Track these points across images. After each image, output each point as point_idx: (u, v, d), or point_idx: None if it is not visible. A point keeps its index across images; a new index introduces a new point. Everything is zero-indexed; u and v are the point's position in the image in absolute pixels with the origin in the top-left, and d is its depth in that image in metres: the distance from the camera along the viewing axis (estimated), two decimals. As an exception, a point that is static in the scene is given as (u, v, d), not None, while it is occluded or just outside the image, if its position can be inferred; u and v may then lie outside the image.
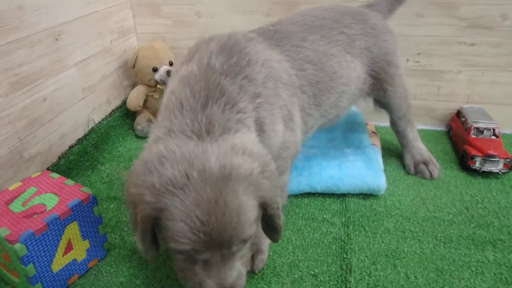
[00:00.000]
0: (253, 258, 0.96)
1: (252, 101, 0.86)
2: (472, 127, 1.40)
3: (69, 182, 0.99)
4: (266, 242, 1.00)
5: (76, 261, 0.95)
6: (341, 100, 1.18)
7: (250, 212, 0.73)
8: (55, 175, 1.02)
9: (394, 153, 1.46)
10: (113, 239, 1.09)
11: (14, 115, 1.11)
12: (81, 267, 0.97)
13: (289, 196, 1.22)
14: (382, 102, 1.31)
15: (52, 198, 0.92)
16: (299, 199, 1.24)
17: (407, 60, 1.54)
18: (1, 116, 1.07)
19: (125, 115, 1.62)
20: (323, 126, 1.22)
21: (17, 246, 0.81)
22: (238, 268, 0.77)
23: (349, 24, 1.18)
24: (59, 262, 0.91)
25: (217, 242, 0.71)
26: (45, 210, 0.89)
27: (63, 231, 0.90)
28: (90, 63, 1.42)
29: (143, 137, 1.57)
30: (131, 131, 1.61)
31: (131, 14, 1.69)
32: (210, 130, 0.77)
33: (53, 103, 1.25)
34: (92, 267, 1.01)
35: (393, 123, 1.37)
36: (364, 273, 0.97)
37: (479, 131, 1.39)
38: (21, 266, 0.83)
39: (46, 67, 1.22)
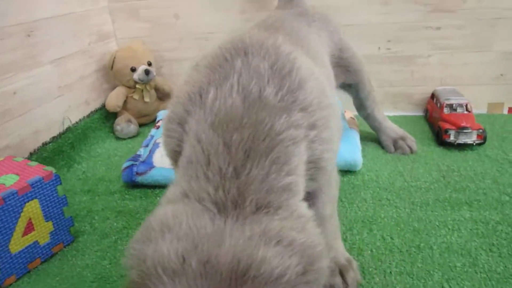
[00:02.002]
0: (353, 269, 0.83)
1: (304, 139, 0.63)
2: (445, 104, 1.42)
3: (33, 163, 0.97)
4: (342, 245, 0.89)
5: (39, 243, 0.92)
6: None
7: None
8: (20, 159, 1.00)
9: (371, 137, 1.48)
10: (83, 227, 1.08)
11: (-17, 105, 1.11)
12: (44, 251, 0.93)
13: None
14: (348, 84, 1.32)
15: (12, 177, 0.90)
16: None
17: (379, 48, 1.59)
18: (-30, 106, 1.08)
19: (105, 118, 1.64)
20: None
21: None
22: None
23: (306, 24, 1.14)
24: (18, 243, 0.87)
25: None
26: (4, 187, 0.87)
27: (22, 209, 0.87)
28: (66, 62, 1.45)
29: (123, 139, 1.58)
30: (111, 134, 1.62)
31: (110, 19, 1.74)
32: (238, 204, 0.53)
33: (25, 97, 1.26)
34: (57, 253, 0.97)
35: (361, 107, 1.38)
36: (341, 237, 0.97)
37: (452, 108, 1.42)
38: None
39: (17, 61, 1.23)
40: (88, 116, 1.55)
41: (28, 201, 0.88)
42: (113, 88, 1.65)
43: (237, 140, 0.56)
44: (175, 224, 0.51)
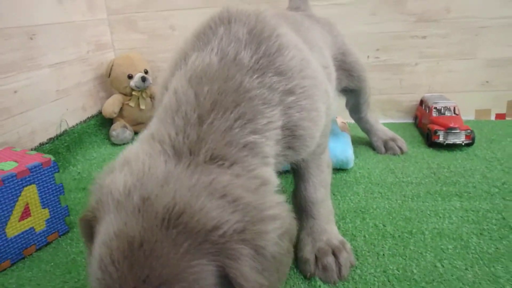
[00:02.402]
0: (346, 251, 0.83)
1: (280, 103, 0.65)
2: (433, 107, 1.47)
3: (32, 152, 0.99)
4: (335, 228, 0.89)
5: (34, 230, 0.92)
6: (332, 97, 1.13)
7: (193, 280, 0.47)
8: (18, 149, 1.02)
9: (363, 141, 1.51)
10: (76, 220, 1.07)
11: (-17, 99, 1.14)
12: (40, 239, 0.94)
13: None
14: (350, 89, 1.34)
15: (11, 164, 0.92)
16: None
17: (368, 56, 1.65)
18: (-30, 97, 1.10)
19: (101, 124, 1.66)
20: None
21: None
22: None
23: (311, 25, 1.18)
24: (14, 227, 0.88)
25: None
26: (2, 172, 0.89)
27: (20, 192, 0.88)
28: (65, 67, 1.49)
29: (118, 144, 1.60)
30: (107, 140, 1.64)
31: (109, 31, 1.80)
32: (194, 151, 0.55)
33: (24, 97, 1.29)
34: (52, 242, 0.97)
35: (355, 110, 1.42)
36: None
37: (440, 111, 1.46)
38: None
39: (18, 61, 1.27)
40: (85, 121, 1.57)
41: (26, 186, 0.89)
42: (109, 96, 1.69)
43: (206, 91, 0.60)
44: (134, 160, 0.54)
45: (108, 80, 1.67)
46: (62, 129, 1.44)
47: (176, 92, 0.62)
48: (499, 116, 1.67)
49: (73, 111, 1.53)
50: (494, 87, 1.63)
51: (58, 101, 1.44)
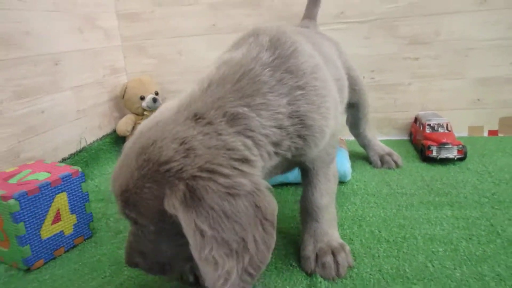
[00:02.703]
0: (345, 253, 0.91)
1: (288, 94, 0.74)
2: (426, 124, 1.56)
3: (61, 164, 1.10)
4: (337, 232, 0.96)
5: (64, 234, 1.02)
6: (343, 106, 1.20)
7: (144, 197, 0.65)
8: (48, 161, 1.13)
9: (359, 156, 1.59)
10: (99, 226, 1.17)
11: (15, 119, 1.26)
12: (68, 242, 1.04)
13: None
14: (352, 103, 1.42)
15: (44, 174, 1.03)
16: (273, 188, 1.34)
17: (364, 77, 1.75)
18: (5, 117, 1.22)
19: (115, 142, 1.77)
20: None
21: (11, 201, 0.90)
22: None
23: (322, 38, 1.28)
24: (47, 230, 0.98)
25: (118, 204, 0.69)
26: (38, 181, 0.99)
27: (53, 199, 0.99)
28: (84, 90, 1.61)
29: (131, 161, 1.70)
30: (120, 157, 1.75)
31: (122, 56, 1.93)
32: (186, 108, 0.70)
33: (49, 117, 1.41)
34: (77, 245, 1.07)
35: (354, 126, 1.52)
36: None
37: (433, 128, 1.55)
38: (13, 224, 0.91)
39: (45, 84, 1.40)
40: (101, 139, 1.69)
41: (58, 193, 1.00)
42: (122, 116, 1.80)
43: (222, 71, 0.74)
44: (156, 114, 0.73)
45: (122, 101, 1.78)
46: (82, 146, 1.55)
47: (206, 75, 0.76)
48: (492, 133, 1.76)
49: (90, 129, 1.65)
50: (486, 104, 1.72)
51: (78, 120, 1.56)
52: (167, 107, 0.73)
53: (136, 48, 1.93)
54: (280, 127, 0.73)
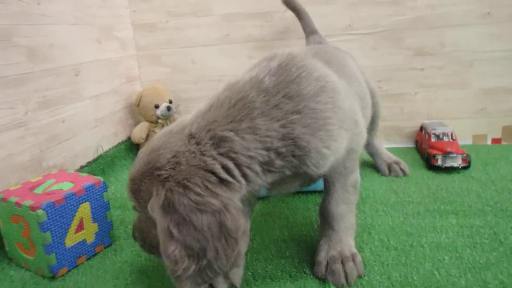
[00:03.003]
0: (354, 262, 0.96)
1: (283, 118, 0.80)
2: (432, 133, 1.61)
3: (83, 174, 1.15)
4: (353, 242, 1.00)
5: (86, 242, 1.07)
6: (367, 117, 1.22)
7: (143, 195, 0.79)
8: (71, 171, 1.19)
9: (367, 164, 1.65)
10: (118, 233, 1.22)
11: (39, 129, 1.32)
12: (90, 249, 1.08)
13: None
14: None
15: (68, 184, 1.08)
16: (285, 197, 1.39)
17: (371, 87, 1.81)
18: (29, 127, 1.28)
19: (129, 149, 1.82)
20: None
21: (39, 212, 0.94)
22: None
23: (344, 55, 1.30)
24: (71, 238, 1.03)
25: None
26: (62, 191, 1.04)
27: (77, 208, 1.03)
28: (102, 98, 1.67)
29: (145, 167, 1.75)
30: (135, 163, 1.80)
31: (137, 65, 1.99)
32: (185, 128, 0.80)
33: (70, 125, 1.47)
34: (98, 252, 1.12)
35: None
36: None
37: (438, 137, 1.60)
38: (40, 233, 0.95)
39: (66, 95, 1.46)
40: (117, 146, 1.74)
41: (82, 203, 1.05)
42: (137, 123, 1.86)
43: (224, 95, 0.83)
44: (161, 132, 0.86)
45: (137, 109, 1.84)
46: (99, 153, 1.60)
47: (212, 97, 0.86)
48: (495, 141, 1.80)
49: (107, 137, 1.71)
50: (490, 113, 1.77)
51: (96, 128, 1.62)
52: (181, 121, 0.84)
53: (150, 57, 1.99)
54: (268, 149, 0.80)
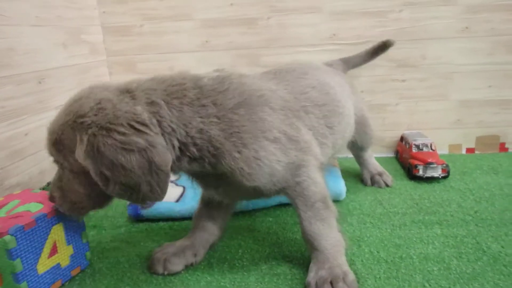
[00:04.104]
0: (344, 281, 0.93)
1: (204, 117, 0.88)
2: (413, 144, 1.65)
3: None
4: (343, 260, 0.99)
5: (60, 266, 0.98)
6: (347, 132, 1.26)
7: (67, 142, 0.83)
8: (37, 190, 1.08)
9: (352, 174, 1.67)
10: (96, 255, 1.15)
11: (-1, 143, 1.20)
12: (65, 274, 1.00)
13: (263, 209, 1.38)
14: (359, 143, 1.48)
15: (36, 205, 0.98)
16: (271, 210, 1.39)
17: (354, 97, 1.84)
18: (-15, 143, 1.16)
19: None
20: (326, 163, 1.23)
21: (7, 237, 0.84)
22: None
23: (332, 73, 1.35)
24: (44, 264, 0.93)
25: None
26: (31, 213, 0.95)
27: (49, 231, 0.95)
28: (70, 108, 1.59)
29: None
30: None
31: (108, 72, 1.92)
32: (130, 91, 0.88)
33: (35, 139, 1.36)
34: (75, 276, 1.04)
35: (354, 148, 1.57)
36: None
37: (419, 147, 1.65)
38: (9, 261, 0.86)
39: (30, 105, 1.35)
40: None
41: (54, 225, 0.96)
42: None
43: (171, 77, 0.93)
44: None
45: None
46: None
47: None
48: (469, 150, 1.88)
49: (77, 150, 1.62)
50: (465, 124, 1.84)
51: (64, 141, 1.53)
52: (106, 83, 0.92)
53: (123, 63, 1.92)
54: (187, 133, 0.87)
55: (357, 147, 1.54)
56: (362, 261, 1.07)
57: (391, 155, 1.91)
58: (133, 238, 1.24)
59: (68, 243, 1.00)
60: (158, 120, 0.84)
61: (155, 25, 1.86)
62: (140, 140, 0.79)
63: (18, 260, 0.87)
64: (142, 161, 0.79)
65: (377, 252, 1.11)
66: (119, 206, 1.43)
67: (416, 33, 1.75)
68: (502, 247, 1.09)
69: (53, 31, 1.51)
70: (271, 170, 0.92)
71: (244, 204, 1.34)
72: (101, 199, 0.89)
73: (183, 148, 0.88)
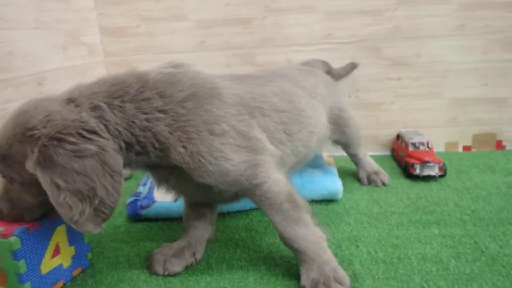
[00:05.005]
0: (335, 278, 0.93)
1: (149, 113, 0.87)
2: (409, 142, 1.65)
3: None
4: (327, 254, 0.97)
5: (63, 266, 1.00)
6: (311, 141, 1.22)
7: (19, 156, 0.82)
8: None
9: (348, 173, 1.67)
10: (96, 255, 1.15)
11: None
12: (67, 274, 1.01)
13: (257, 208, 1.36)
14: (341, 142, 1.49)
15: None
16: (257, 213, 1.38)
17: (349, 96, 1.83)
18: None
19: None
20: (293, 168, 1.23)
21: (12, 239, 0.87)
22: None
23: (307, 75, 1.35)
24: (47, 264, 0.96)
25: None
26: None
27: (53, 232, 0.97)
28: (70, 109, 1.58)
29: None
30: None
31: (105, 72, 1.91)
32: (73, 100, 0.88)
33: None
34: (76, 276, 1.05)
35: (345, 148, 1.58)
36: (332, 253, 1.09)
37: (415, 146, 1.64)
38: (14, 262, 0.87)
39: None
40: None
41: (58, 226, 0.98)
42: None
43: (113, 76, 0.93)
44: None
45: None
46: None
47: None
48: (466, 148, 1.88)
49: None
50: (461, 122, 1.84)
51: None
52: (49, 95, 0.93)
53: (120, 64, 1.91)
54: (132, 133, 0.88)
55: (343, 147, 1.54)
56: (360, 261, 1.06)
57: (387, 153, 1.90)
58: (132, 238, 1.24)
59: (70, 244, 1.02)
60: (104, 125, 0.85)
61: (151, 26, 1.85)
62: (91, 147, 0.80)
63: (23, 261, 0.89)
64: (95, 164, 0.79)
65: (375, 252, 1.10)
66: (118, 206, 1.39)
67: (410, 31, 1.74)
68: (501, 247, 1.09)
69: (52, 34, 1.51)
70: (219, 168, 0.88)
71: (241, 204, 1.32)
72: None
73: (128, 147, 0.89)
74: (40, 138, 0.80)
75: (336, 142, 1.50)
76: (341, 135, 1.45)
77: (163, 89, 0.89)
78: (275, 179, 0.93)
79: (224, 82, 1.02)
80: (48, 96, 0.91)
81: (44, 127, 0.81)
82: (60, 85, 1.53)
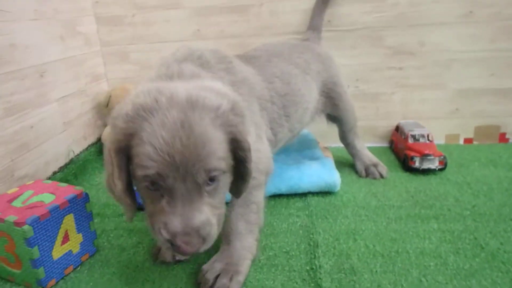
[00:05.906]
0: (231, 279, 0.93)
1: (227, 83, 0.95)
2: (409, 134, 1.62)
3: (62, 184, 1.11)
4: (245, 263, 0.98)
5: (72, 252, 1.05)
6: (305, 116, 1.34)
7: (217, 143, 0.76)
8: (48, 181, 1.13)
9: (345, 164, 1.64)
10: (102, 243, 1.18)
11: (7, 137, 1.24)
12: (76, 259, 1.06)
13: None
14: (334, 116, 1.51)
15: (49, 196, 1.04)
16: (267, 201, 1.35)
17: (348, 86, 1.79)
18: (-3, 136, 1.19)
19: (100, 151, 1.73)
20: (288, 142, 1.35)
21: (26, 227, 0.91)
22: (206, 213, 0.76)
23: (301, 51, 1.39)
24: (58, 250, 1.00)
25: (182, 167, 0.72)
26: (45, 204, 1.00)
27: (61, 221, 1.01)
28: (68, 100, 1.57)
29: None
30: (106, 166, 1.72)
31: (102, 62, 1.88)
32: (181, 75, 0.89)
33: (38, 131, 1.38)
34: (84, 262, 1.09)
35: (343, 137, 1.57)
36: (330, 247, 1.09)
37: (415, 138, 1.61)
38: (27, 249, 0.92)
39: (32, 98, 1.36)
40: (87, 149, 1.66)
41: (66, 215, 1.02)
42: (106, 124, 1.76)
43: (181, 53, 1.03)
44: (144, 88, 0.79)
45: (106, 110, 1.74)
46: (70, 158, 1.51)
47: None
48: (467, 141, 1.84)
49: (77, 140, 1.62)
50: (463, 114, 1.80)
51: (65, 132, 1.52)
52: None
53: (117, 54, 1.88)
54: None
55: (339, 128, 1.55)
56: (358, 255, 1.05)
57: (385, 145, 1.87)
58: (135, 226, 1.25)
59: (78, 231, 1.07)
60: None
61: (147, 15, 1.81)
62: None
63: (36, 247, 0.94)
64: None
65: (372, 246, 1.09)
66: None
67: (414, 18, 1.69)
68: (501, 243, 1.07)
69: (51, 24, 1.50)
70: None
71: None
72: None
73: None
74: (234, 108, 0.82)
75: (330, 118, 1.51)
76: (334, 109, 1.47)
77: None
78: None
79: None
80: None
81: (223, 98, 0.82)
82: (60, 76, 1.53)
